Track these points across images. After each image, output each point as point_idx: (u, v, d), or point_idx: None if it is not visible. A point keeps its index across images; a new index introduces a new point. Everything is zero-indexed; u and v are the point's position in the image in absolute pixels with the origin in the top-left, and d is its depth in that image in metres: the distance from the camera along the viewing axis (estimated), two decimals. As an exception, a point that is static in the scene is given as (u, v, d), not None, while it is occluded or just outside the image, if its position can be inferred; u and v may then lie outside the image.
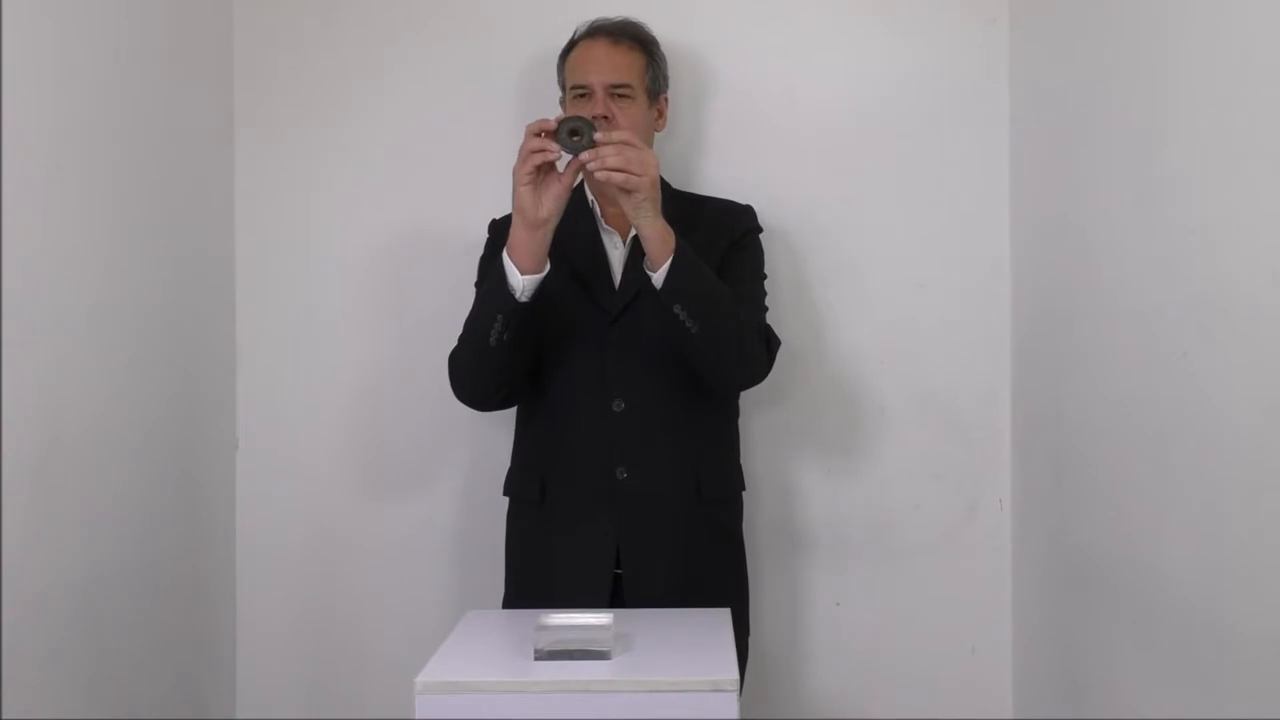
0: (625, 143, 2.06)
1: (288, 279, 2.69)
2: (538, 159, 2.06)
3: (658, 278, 2.12)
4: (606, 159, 2.04)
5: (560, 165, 2.09)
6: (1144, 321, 2.01)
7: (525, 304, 2.13)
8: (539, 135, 2.06)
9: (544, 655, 1.80)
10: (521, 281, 2.12)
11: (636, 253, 2.29)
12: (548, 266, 2.14)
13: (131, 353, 2.27)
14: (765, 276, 2.40)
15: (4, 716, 1.84)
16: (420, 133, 2.67)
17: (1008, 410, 2.64)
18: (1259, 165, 1.67)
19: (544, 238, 2.11)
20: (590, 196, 2.38)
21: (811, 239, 2.60)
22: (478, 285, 2.35)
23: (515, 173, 2.07)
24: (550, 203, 2.09)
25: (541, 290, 2.15)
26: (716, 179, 2.58)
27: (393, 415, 2.70)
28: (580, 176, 2.14)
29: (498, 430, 2.54)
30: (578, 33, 2.39)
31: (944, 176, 2.65)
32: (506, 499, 2.41)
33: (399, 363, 2.67)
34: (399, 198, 2.67)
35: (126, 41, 2.26)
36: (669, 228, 2.12)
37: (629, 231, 2.33)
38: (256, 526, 2.69)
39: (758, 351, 2.27)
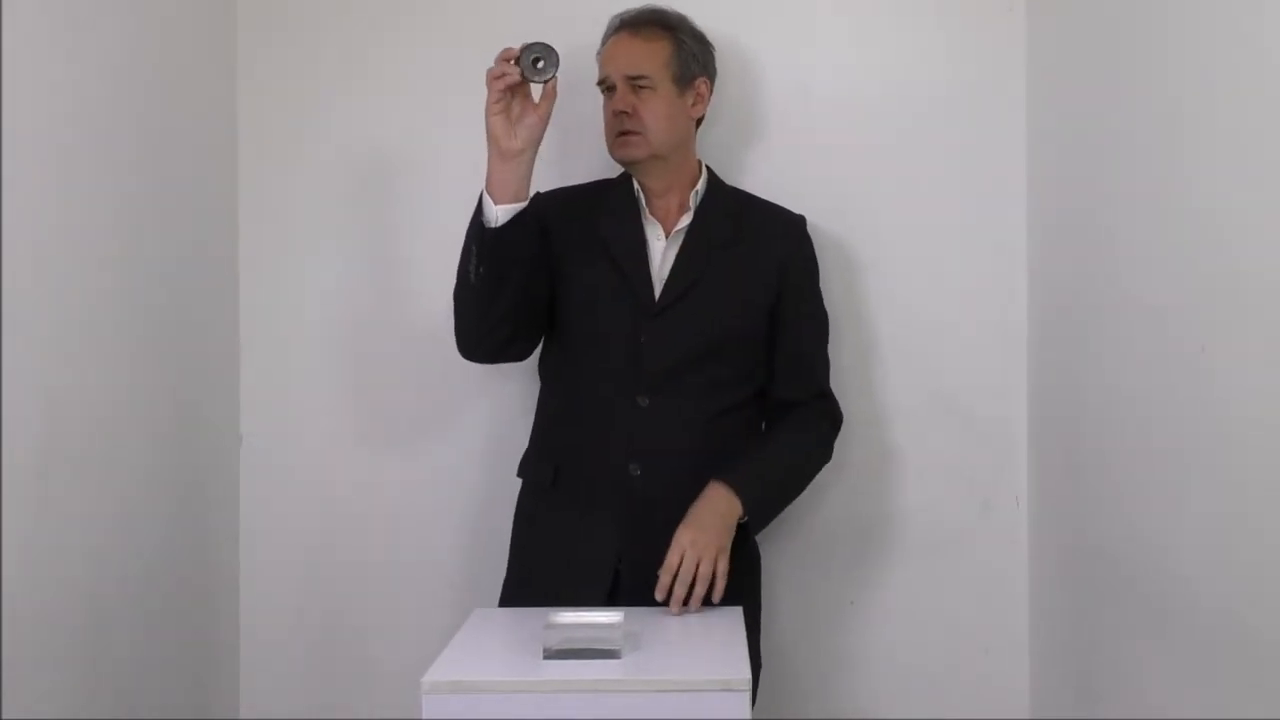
0: (671, 572, 2.08)
1: (291, 274, 2.67)
2: (499, 84, 2.09)
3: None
4: (690, 602, 2.08)
5: (535, 96, 2.14)
6: (1162, 316, 1.98)
7: (496, 231, 2.13)
8: (506, 61, 2.10)
9: (552, 654, 1.79)
10: (495, 211, 2.13)
11: (686, 247, 2.31)
12: (527, 198, 2.16)
13: (134, 348, 2.26)
14: (828, 316, 2.43)
15: (4, 717, 1.83)
16: (425, 129, 2.64)
17: (1024, 406, 2.61)
18: (1281, 156, 1.64)
19: (519, 168, 2.14)
20: (636, 185, 2.36)
21: (824, 231, 2.55)
22: None
23: (486, 102, 2.11)
24: (524, 132, 2.13)
25: (520, 221, 2.15)
26: (732, 175, 2.54)
27: (398, 411, 2.68)
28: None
29: (509, 426, 2.53)
30: (609, 28, 2.38)
31: (959, 168, 2.62)
32: (516, 493, 2.40)
33: (404, 357, 2.65)
34: (404, 193, 2.65)
35: (130, 37, 2.25)
36: (730, 509, 2.18)
37: (674, 225, 2.34)
38: (260, 522, 2.67)
39: (829, 452, 2.42)
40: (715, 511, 2.16)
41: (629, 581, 2.20)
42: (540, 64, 2.09)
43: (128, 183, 2.24)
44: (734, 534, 2.17)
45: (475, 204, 2.18)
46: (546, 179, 2.40)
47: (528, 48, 2.10)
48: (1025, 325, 2.61)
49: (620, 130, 2.31)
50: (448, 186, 2.58)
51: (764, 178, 2.52)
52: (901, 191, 2.62)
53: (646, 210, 2.35)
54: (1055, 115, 2.49)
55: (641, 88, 2.30)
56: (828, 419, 2.40)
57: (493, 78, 2.11)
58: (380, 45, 2.66)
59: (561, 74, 2.13)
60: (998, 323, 2.61)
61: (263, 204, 2.66)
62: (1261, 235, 1.68)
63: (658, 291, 2.29)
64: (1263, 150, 1.68)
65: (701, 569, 2.09)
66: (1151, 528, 2.02)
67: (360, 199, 2.66)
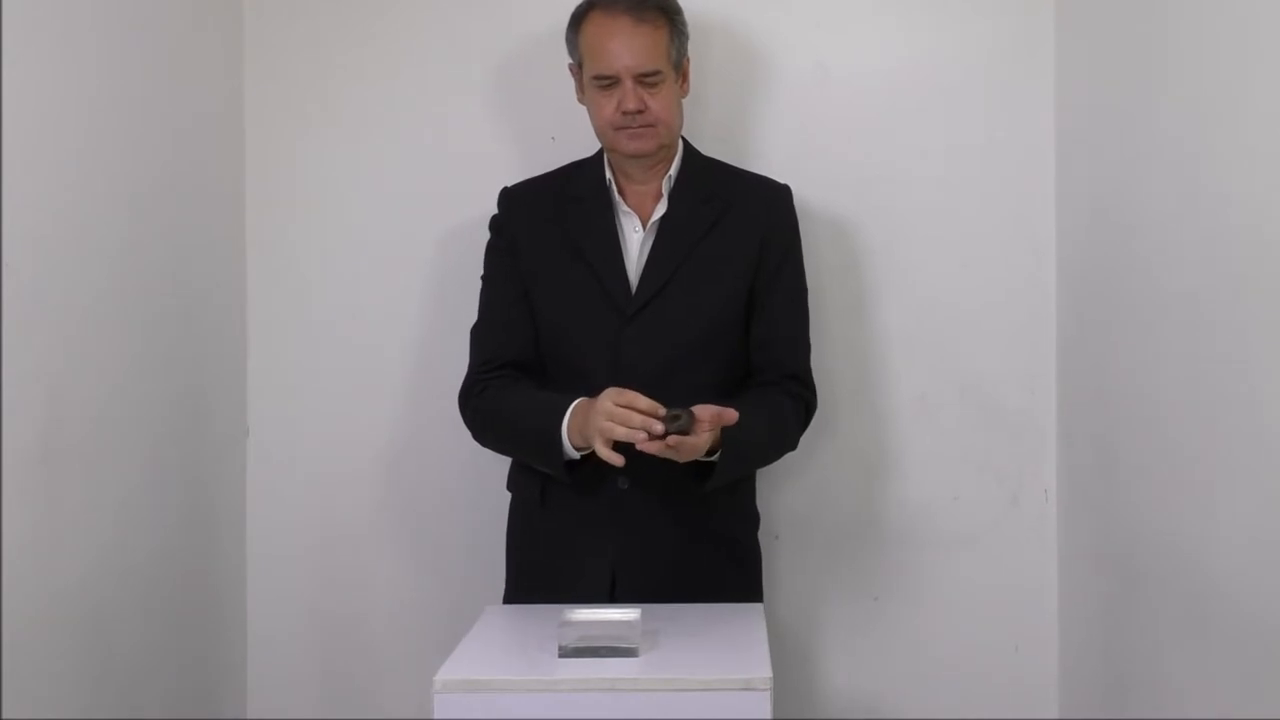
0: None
1: (299, 267, 2.64)
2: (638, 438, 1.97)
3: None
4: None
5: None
6: (1193, 305, 1.96)
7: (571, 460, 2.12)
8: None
9: (568, 652, 1.76)
10: (575, 453, 2.10)
11: (660, 241, 2.22)
12: None
13: (139, 341, 2.24)
14: (807, 291, 2.31)
15: (4, 717, 1.80)
16: (430, 123, 2.62)
17: (1052, 397, 2.57)
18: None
19: None
20: (609, 174, 2.26)
21: (850, 219, 2.53)
22: (485, 278, 2.30)
23: (605, 437, 1.98)
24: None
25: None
26: (749, 157, 2.50)
27: (404, 404, 2.64)
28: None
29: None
30: (598, 6, 2.19)
31: (987, 155, 2.58)
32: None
33: (409, 351, 2.63)
34: (408, 187, 2.63)
35: (136, 28, 2.23)
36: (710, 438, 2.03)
37: (650, 215, 2.24)
38: (267, 516, 2.64)
39: (796, 439, 2.27)
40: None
41: (625, 597, 2.12)
42: (679, 419, 1.97)
43: (133, 173, 2.22)
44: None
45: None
46: (528, 166, 2.39)
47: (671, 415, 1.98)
48: (1054, 316, 2.57)
49: (631, 124, 2.16)
50: (457, 182, 2.60)
51: (786, 162, 2.47)
52: (928, 178, 2.58)
53: (621, 202, 2.24)
54: (1084, 100, 2.45)
55: (652, 85, 2.16)
56: (798, 400, 2.24)
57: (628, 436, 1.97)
58: (389, 35, 2.63)
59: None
60: (1026, 313, 2.58)
61: (270, 196, 2.64)
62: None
63: (634, 289, 2.20)
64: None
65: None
66: (1184, 523, 2.00)
67: (368, 193, 2.64)
